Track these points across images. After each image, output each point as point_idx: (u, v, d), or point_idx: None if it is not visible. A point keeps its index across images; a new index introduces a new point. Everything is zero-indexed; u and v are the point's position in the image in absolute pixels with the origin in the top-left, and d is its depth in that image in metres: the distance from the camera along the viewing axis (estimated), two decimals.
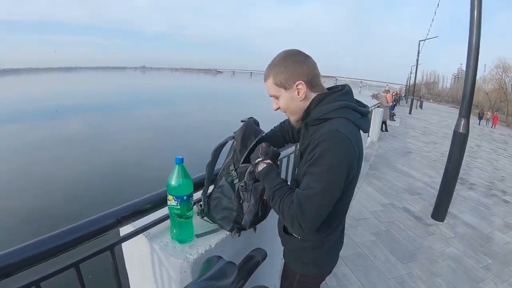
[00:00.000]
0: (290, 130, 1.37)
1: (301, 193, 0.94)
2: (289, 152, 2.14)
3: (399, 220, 3.88)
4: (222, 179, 1.24)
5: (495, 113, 29.67)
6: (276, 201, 1.02)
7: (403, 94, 40.10)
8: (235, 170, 1.20)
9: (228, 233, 1.25)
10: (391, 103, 13.12)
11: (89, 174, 9.12)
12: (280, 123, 1.42)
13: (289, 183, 1.11)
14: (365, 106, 1.10)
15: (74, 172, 9.28)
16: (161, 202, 1.15)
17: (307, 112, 1.07)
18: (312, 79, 1.04)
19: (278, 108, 1.12)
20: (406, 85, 46.82)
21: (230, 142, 1.25)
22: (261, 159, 1.12)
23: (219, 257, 1.00)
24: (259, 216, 1.25)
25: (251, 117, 1.28)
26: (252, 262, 1.07)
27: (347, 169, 0.94)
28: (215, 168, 1.29)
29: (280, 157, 1.29)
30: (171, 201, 1.08)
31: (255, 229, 1.35)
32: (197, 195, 1.28)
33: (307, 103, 1.06)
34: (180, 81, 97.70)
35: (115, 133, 15.23)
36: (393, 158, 7.23)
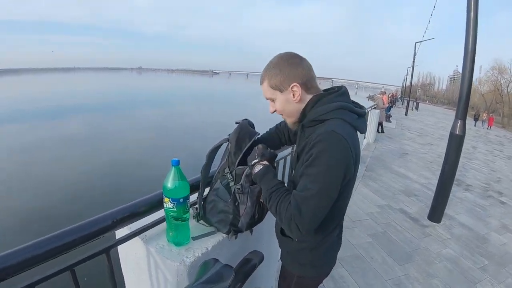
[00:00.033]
0: (286, 132, 1.36)
1: (298, 194, 0.94)
2: (285, 154, 2.14)
3: (396, 221, 3.88)
4: (217, 182, 1.23)
5: (491, 114, 29.84)
6: (273, 203, 1.01)
7: (399, 96, 40.22)
8: (230, 172, 1.19)
9: (224, 235, 1.24)
10: (387, 105, 13.16)
11: (89, 174, 9.14)
12: (276, 125, 1.42)
13: (286, 185, 1.11)
14: (361, 107, 1.10)
15: (74, 172, 9.30)
16: (157, 204, 1.14)
17: (303, 114, 1.07)
18: (307, 81, 1.05)
19: (274, 111, 1.12)
20: (402, 87, 47.16)
21: (225, 145, 1.24)
22: (257, 160, 1.11)
23: (216, 260, 0.99)
24: (256, 219, 1.25)
25: (246, 119, 1.28)
26: (249, 265, 1.06)
27: (344, 170, 0.93)
28: (211, 171, 1.28)
29: (276, 158, 1.28)
30: (168, 204, 1.07)
31: (251, 231, 1.34)
32: (194, 197, 1.27)
33: (303, 105, 1.06)
34: (176, 82, 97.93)
35: (114, 133, 15.30)
36: (389, 159, 7.24)
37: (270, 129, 1.42)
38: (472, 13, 3.34)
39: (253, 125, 1.28)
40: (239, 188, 1.17)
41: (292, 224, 0.94)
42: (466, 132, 3.71)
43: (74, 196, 7.47)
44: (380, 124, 10.43)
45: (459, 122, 3.64)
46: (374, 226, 3.69)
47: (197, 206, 1.29)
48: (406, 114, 21.12)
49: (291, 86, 1.03)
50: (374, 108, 9.73)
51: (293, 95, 1.04)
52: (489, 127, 25.20)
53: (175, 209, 1.07)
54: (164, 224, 1.17)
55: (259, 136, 1.26)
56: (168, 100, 34.89)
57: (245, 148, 1.17)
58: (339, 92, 1.07)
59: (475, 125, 25.24)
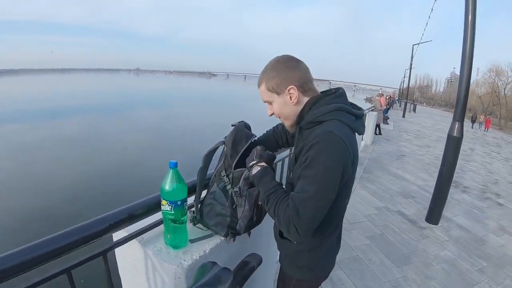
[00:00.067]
0: (284, 135, 1.36)
1: (296, 196, 0.94)
2: (283, 156, 2.13)
3: (394, 223, 3.89)
4: (214, 185, 1.23)
5: (488, 116, 29.94)
6: (271, 205, 1.00)
7: (397, 98, 40.40)
8: (227, 175, 1.18)
9: (222, 238, 1.23)
10: (385, 107, 13.20)
11: (89, 174, 9.13)
12: (273, 127, 1.41)
13: (284, 187, 1.10)
14: (359, 108, 1.10)
15: (74, 172, 9.28)
16: (154, 207, 1.13)
17: (301, 116, 1.07)
18: (304, 83, 1.05)
19: (272, 114, 1.12)
20: (400, 89, 47.32)
21: (221, 148, 1.23)
22: (255, 162, 1.11)
23: (214, 263, 0.98)
24: (254, 221, 1.24)
25: (242, 121, 1.27)
26: (247, 268, 1.05)
27: (341, 171, 0.93)
28: (208, 173, 1.27)
29: (275, 160, 1.28)
30: (165, 206, 1.06)
31: (249, 234, 1.34)
32: (190, 200, 1.26)
33: (300, 108, 1.07)
34: (174, 83, 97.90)
35: (114, 134, 15.29)
36: (387, 161, 7.26)
37: (267, 131, 1.42)
38: (470, 16, 3.35)
39: (250, 127, 1.27)
40: (237, 191, 1.16)
41: (291, 226, 0.93)
42: (463, 134, 3.72)
43: (74, 196, 7.45)
44: (377, 126, 10.46)
45: (457, 124, 3.65)
46: (372, 228, 3.69)
47: (193, 209, 1.28)
48: (403, 116, 21.19)
49: (288, 88, 1.03)
50: (372, 110, 9.76)
51: (290, 97, 1.04)
52: (486, 129, 25.30)
53: (172, 212, 1.07)
54: (161, 226, 1.16)
55: (255, 138, 1.26)
56: (166, 101, 34.88)
57: (242, 151, 1.16)
58: (337, 94, 1.07)
59: (472, 127, 25.37)
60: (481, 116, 28.76)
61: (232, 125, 1.24)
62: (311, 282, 1.26)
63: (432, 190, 4.07)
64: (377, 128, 10.58)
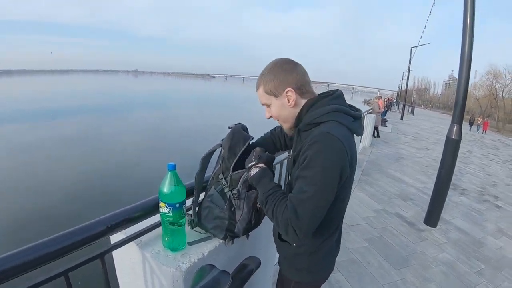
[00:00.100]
0: (282, 137, 1.35)
1: (294, 197, 0.93)
2: (282, 158, 2.13)
3: (392, 226, 3.89)
4: (212, 188, 1.22)
5: (486, 119, 30.04)
6: (270, 206, 1.00)
7: (395, 100, 40.50)
8: (225, 178, 1.18)
9: (221, 241, 1.22)
10: (383, 109, 13.23)
11: (88, 174, 9.13)
12: (271, 130, 1.41)
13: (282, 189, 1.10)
14: (357, 110, 1.10)
15: (74, 172, 9.28)
16: (153, 209, 1.12)
17: (299, 118, 1.07)
18: (302, 86, 1.05)
19: (270, 117, 1.12)
20: (398, 91, 47.41)
21: (218, 150, 1.23)
22: (254, 163, 1.10)
23: (212, 266, 0.98)
24: (253, 224, 1.23)
25: (239, 123, 1.27)
26: (246, 271, 1.05)
27: (339, 172, 0.92)
28: (205, 176, 1.27)
29: (273, 162, 1.27)
30: (163, 209, 1.06)
31: (248, 236, 1.33)
32: (190, 202, 1.26)
33: (298, 110, 1.07)
34: (173, 85, 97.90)
35: (113, 135, 15.32)
36: (385, 164, 7.26)
37: (264, 134, 1.41)
38: (468, 20, 3.36)
39: (247, 129, 1.27)
40: (235, 193, 1.16)
41: (289, 228, 0.93)
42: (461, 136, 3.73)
43: (74, 196, 7.45)
44: (376, 128, 10.48)
45: (455, 126, 3.66)
46: (370, 230, 3.69)
47: (190, 212, 1.27)
48: (401, 119, 21.26)
49: (285, 91, 1.03)
50: (370, 112, 9.78)
51: (288, 100, 1.05)
52: (484, 131, 25.38)
53: (171, 214, 1.06)
54: (159, 229, 1.16)
55: (253, 140, 1.25)
56: (164, 103, 34.94)
57: (240, 153, 1.16)
58: (334, 96, 1.07)
59: (470, 130, 25.47)
60: (479, 119, 28.89)
61: (229, 128, 1.23)
62: (310, 285, 1.25)
63: (430, 193, 4.08)
64: (375, 131, 10.59)
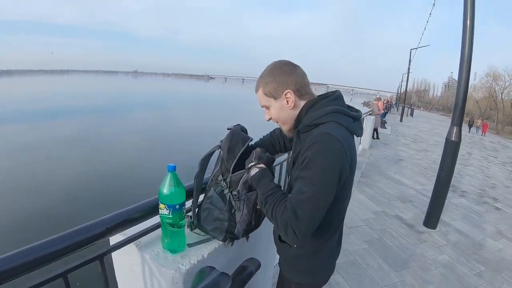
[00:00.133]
0: (281, 139, 1.35)
1: (294, 198, 0.93)
2: (281, 160, 2.13)
3: (392, 227, 3.88)
4: (211, 190, 1.22)
5: (485, 121, 30.06)
6: (269, 207, 1.00)
7: (394, 102, 40.52)
8: (224, 179, 1.18)
9: (220, 242, 1.22)
10: (383, 111, 13.24)
11: (89, 174, 9.11)
12: (270, 132, 1.41)
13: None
14: (357, 111, 1.10)
15: (74, 172, 9.26)
16: (152, 210, 1.12)
17: (298, 120, 1.07)
18: (301, 87, 1.05)
19: (270, 119, 1.12)
20: (397, 93, 47.48)
21: (217, 152, 1.23)
22: (254, 163, 1.10)
23: (212, 268, 0.97)
24: (252, 225, 1.23)
25: (238, 124, 1.27)
26: (245, 273, 1.05)
27: (338, 173, 0.92)
28: (204, 177, 1.27)
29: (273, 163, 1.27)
30: (163, 210, 1.05)
31: (247, 238, 1.33)
32: (189, 203, 1.25)
33: (297, 112, 1.07)
34: (172, 86, 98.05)
35: (113, 135, 15.30)
36: (384, 165, 7.26)
37: (264, 136, 1.41)
38: (468, 21, 3.37)
39: (246, 130, 1.27)
40: (235, 195, 1.15)
41: (289, 229, 0.92)
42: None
43: (74, 196, 7.43)
44: (375, 130, 10.48)
45: (455, 128, 3.66)
46: (369, 232, 3.68)
47: (190, 214, 1.27)
48: (401, 121, 21.27)
49: (284, 93, 1.04)
50: (370, 114, 9.78)
51: (287, 101, 1.05)
52: (483, 133, 25.41)
53: (170, 216, 1.06)
54: (159, 230, 1.15)
55: (252, 141, 1.25)
56: (164, 104, 34.98)
57: (239, 154, 1.16)
58: (333, 97, 1.07)
59: (469, 132, 25.47)
60: (478, 121, 28.89)
61: (228, 129, 1.23)
62: (310, 286, 1.25)
63: (430, 195, 4.08)
64: (375, 133, 10.60)
